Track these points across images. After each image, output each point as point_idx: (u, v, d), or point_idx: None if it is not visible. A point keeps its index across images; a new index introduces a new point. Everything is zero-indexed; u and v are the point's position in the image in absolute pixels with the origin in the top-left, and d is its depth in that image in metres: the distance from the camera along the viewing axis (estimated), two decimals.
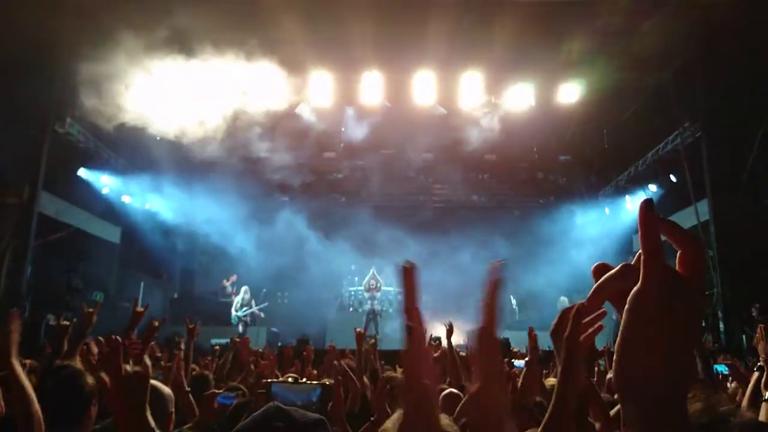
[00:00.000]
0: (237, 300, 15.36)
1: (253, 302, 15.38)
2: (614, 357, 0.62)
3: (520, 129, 13.14)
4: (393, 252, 16.91)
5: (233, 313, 15.26)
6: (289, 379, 3.38)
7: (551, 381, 3.87)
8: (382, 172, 16.10)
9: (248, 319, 15.34)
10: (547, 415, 1.39)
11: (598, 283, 0.71)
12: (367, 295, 15.76)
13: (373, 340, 6.99)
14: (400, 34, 10.51)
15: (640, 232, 0.63)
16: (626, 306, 0.62)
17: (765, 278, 10.10)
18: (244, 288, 15.44)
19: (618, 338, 0.61)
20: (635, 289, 0.62)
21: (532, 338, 4.15)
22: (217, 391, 3.62)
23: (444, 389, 3.88)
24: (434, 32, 10.26)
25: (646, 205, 0.63)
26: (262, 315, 15.48)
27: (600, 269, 0.72)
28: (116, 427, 3.00)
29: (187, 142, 13.92)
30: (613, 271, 0.69)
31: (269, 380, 3.25)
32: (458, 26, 10.15)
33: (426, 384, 0.92)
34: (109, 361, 1.70)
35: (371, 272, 15.96)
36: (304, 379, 3.40)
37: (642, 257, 0.63)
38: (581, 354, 1.24)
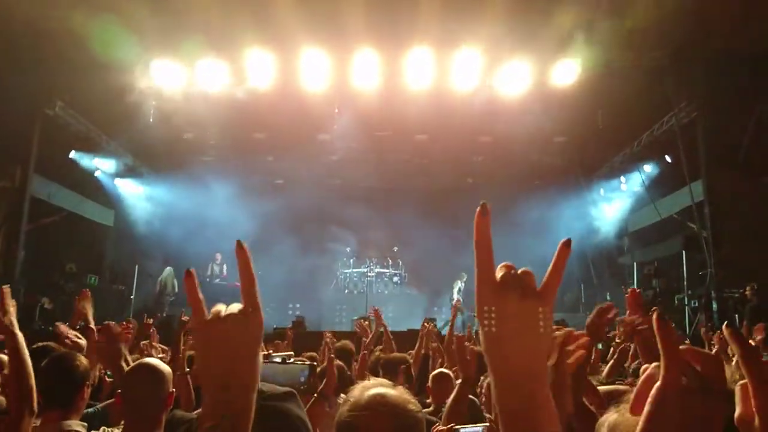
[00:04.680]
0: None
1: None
2: None
3: (516, 110, 13.06)
4: (388, 234, 16.95)
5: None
6: (277, 359, 3.40)
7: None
8: (377, 154, 16.03)
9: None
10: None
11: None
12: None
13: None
14: (393, 9, 10.38)
15: (659, 339, 0.73)
16: (649, 398, 0.71)
17: (759, 258, 10.15)
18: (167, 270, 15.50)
19: (640, 425, 0.72)
20: (657, 384, 0.71)
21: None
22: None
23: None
24: (428, 7, 10.14)
25: (661, 320, 0.74)
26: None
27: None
28: (112, 411, 3.02)
29: (178, 125, 13.86)
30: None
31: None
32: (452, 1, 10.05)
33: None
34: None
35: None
36: (292, 359, 3.44)
37: (663, 359, 0.72)
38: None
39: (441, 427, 1.55)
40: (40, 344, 3.06)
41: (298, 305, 15.69)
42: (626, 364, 4.49)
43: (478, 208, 0.82)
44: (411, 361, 5.15)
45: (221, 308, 0.92)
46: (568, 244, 0.81)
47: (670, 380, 0.70)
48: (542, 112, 13.18)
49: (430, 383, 3.94)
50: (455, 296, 15.62)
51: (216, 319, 0.90)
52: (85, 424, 2.61)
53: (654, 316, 0.74)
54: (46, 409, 2.49)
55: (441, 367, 4.54)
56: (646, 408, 0.71)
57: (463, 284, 15.68)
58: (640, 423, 0.71)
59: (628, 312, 2.69)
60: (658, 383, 0.71)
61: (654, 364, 0.75)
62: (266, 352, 4.12)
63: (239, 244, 0.95)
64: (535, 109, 13.06)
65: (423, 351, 5.60)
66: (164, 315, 13.53)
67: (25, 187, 11.73)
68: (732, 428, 0.72)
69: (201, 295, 0.92)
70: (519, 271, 0.81)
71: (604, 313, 2.64)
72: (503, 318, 0.76)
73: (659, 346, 0.72)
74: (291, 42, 11.36)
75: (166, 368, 2.52)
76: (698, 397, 0.69)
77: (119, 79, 11.83)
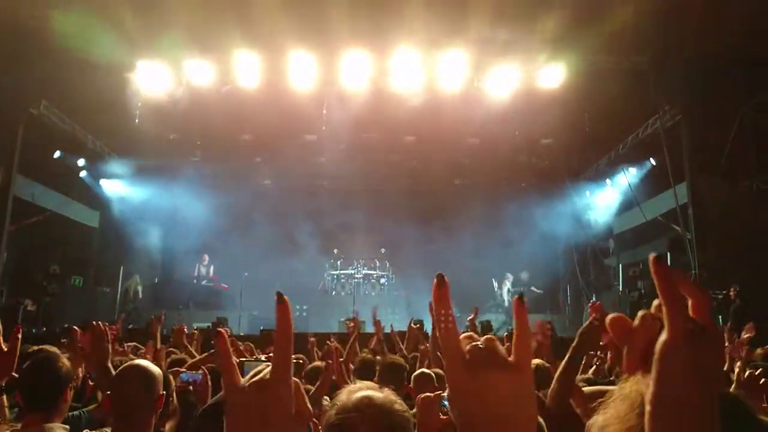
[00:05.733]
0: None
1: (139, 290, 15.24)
2: (649, 406, 0.65)
3: (503, 112, 13.12)
4: (376, 235, 16.93)
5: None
6: (262, 357, 3.40)
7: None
8: (364, 155, 16.01)
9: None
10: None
11: (627, 343, 0.69)
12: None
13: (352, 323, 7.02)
14: (381, 11, 10.39)
15: (658, 286, 0.66)
16: (655, 356, 0.64)
17: (742, 260, 10.27)
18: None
19: (652, 387, 0.64)
20: (662, 339, 0.65)
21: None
22: (180, 369, 3.61)
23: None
24: (415, 9, 10.15)
25: (658, 261, 0.66)
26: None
27: (617, 322, 0.70)
28: (96, 414, 2.99)
29: (165, 126, 13.76)
30: (637, 325, 0.69)
31: (241, 359, 3.27)
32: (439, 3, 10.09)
33: None
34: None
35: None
36: None
37: (665, 309, 0.65)
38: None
39: (428, 394, 1.57)
40: (35, 347, 3.01)
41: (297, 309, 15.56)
42: (606, 366, 4.54)
43: (435, 280, 0.72)
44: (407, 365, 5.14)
45: (261, 368, 0.80)
46: (520, 299, 0.74)
47: (677, 331, 0.64)
48: (529, 115, 13.26)
49: (411, 383, 3.92)
50: (505, 297, 15.81)
51: (251, 386, 0.77)
52: (68, 426, 2.57)
53: (651, 258, 0.67)
54: (28, 411, 2.45)
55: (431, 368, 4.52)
56: (655, 368, 0.64)
57: (510, 284, 15.88)
58: (651, 385, 0.64)
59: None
60: (664, 338, 0.64)
61: (642, 312, 0.69)
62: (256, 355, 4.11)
63: (280, 297, 0.75)
64: (522, 112, 13.13)
65: (411, 353, 5.59)
66: (128, 322, 13.23)
67: (8, 187, 11.59)
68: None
69: (234, 359, 0.79)
70: (482, 340, 0.73)
71: (600, 323, 2.67)
72: (482, 397, 0.70)
73: (658, 291, 0.66)
74: (278, 43, 11.33)
75: (156, 370, 2.49)
76: (703, 340, 0.63)
77: (105, 79, 11.73)
